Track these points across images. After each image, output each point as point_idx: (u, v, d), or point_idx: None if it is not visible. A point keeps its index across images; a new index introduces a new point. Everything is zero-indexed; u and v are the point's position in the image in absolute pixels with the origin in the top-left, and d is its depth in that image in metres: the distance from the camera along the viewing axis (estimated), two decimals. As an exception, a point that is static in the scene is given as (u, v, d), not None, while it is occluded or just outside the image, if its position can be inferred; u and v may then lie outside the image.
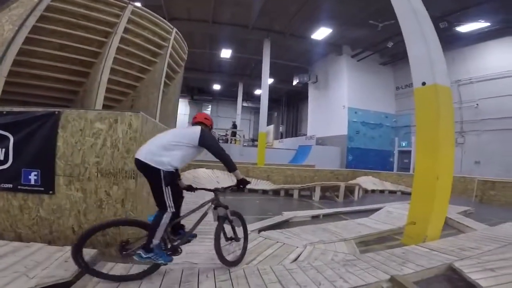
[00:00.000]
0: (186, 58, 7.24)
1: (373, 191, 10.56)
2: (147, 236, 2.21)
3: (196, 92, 28.28)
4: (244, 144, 16.29)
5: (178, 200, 2.43)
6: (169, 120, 6.33)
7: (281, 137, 26.60)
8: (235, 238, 2.76)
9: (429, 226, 3.82)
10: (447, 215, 4.65)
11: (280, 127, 28.16)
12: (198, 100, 30.08)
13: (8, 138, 2.91)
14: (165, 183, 2.20)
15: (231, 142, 15.95)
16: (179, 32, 6.42)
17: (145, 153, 2.25)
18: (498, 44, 11.90)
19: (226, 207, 2.64)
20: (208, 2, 11.64)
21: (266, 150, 15.63)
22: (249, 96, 27.11)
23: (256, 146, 15.95)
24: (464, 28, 11.49)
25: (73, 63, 5.01)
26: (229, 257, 2.66)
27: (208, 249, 2.91)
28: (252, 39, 14.83)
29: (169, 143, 2.31)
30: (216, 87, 25.55)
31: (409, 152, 14.68)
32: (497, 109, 11.68)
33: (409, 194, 10.26)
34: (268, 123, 30.03)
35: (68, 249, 2.58)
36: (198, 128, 2.47)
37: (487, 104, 12.07)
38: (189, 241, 2.58)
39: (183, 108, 30.24)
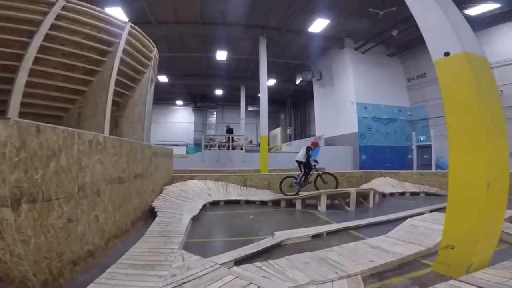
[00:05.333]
0: (154, 57, 6.23)
1: (391, 194, 9.24)
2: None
3: (199, 99, 27.60)
4: (248, 149, 15.10)
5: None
6: (136, 127, 5.36)
7: (290, 140, 25.32)
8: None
9: (476, 250, 2.65)
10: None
11: (288, 130, 26.92)
12: (202, 107, 29.43)
13: None
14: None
15: (233, 149, 14.82)
16: (136, 27, 5.45)
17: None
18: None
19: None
20: (193, 1, 10.77)
21: (273, 154, 14.51)
22: (254, 100, 26.08)
23: (263, 151, 14.81)
24: (474, 10, 10.06)
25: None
26: None
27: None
28: (247, 38, 13.89)
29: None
30: (219, 92, 24.64)
31: (429, 146, 13.40)
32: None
33: (434, 195, 9.10)
34: (275, 126, 29.08)
35: None
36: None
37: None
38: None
39: (188, 117, 29.74)
